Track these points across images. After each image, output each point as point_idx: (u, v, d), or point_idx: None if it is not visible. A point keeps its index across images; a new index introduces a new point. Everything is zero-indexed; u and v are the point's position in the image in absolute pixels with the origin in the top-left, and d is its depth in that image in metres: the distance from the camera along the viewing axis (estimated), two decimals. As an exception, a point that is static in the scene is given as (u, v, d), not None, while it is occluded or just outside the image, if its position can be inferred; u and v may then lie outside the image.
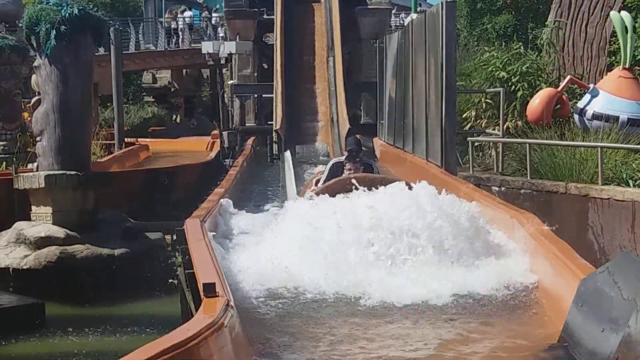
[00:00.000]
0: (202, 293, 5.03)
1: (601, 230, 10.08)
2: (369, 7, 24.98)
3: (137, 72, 35.25)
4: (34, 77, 13.87)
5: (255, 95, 24.51)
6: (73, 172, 12.98)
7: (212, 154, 21.97)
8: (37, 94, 13.65)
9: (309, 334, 5.64)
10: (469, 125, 14.09)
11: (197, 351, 4.02)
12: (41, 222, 13.01)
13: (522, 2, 18.11)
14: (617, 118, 11.96)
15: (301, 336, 5.60)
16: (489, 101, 13.87)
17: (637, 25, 13.11)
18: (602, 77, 13.32)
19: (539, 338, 5.60)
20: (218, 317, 4.44)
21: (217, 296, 4.88)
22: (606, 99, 12.26)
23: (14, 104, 17.01)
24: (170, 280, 9.00)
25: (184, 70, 37.67)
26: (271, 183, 14.86)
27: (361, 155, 9.44)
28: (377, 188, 7.75)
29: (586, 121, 12.31)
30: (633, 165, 10.65)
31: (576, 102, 12.88)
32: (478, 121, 14.05)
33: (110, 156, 20.28)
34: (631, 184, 10.17)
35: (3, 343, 10.60)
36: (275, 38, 23.12)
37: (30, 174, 13.30)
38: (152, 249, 13.29)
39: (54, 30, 12.84)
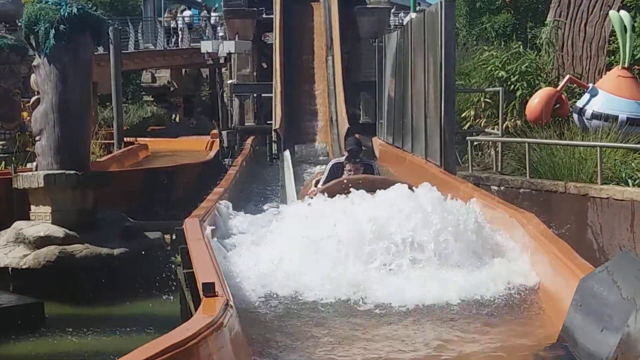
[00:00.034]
0: (201, 292, 5.03)
1: (600, 230, 10.08)
2: (368, 6, 24.96)
3: (136, 71, 35.23)
4: (33, 76, 13.87)
5: (255, 95, 24.50)
6: (72, 172, 12.98)
7: (212, 154, 21.98)
8: (36, 93, 13.64)
9: (308, 335, 5.64)
10: (468, 124, 14.10)
11: (197, 351, 4.02)
12: (40, 222, 13.01)
13: (521, 1, 18.11)
14: (616, 117, 11.97)
15: (301, 336, 5.60)
16: (488, 100, 13.87)
17: (636, 24, 13.11)
18: (601, 77, 13.33)
19: (538, 337, 5.60)
20: (217, 317, 4.44)
21: (217, 296, 4.88)
22: (605, 98, 12.26)
23: (13, 104, 17.00)
24: (169, 280, 9.01)
25: (183, 70, 37.66)
26: (270, 182, 14.85)
27: (361, 155, 9.37)
28: (377, 190, 7.68)
29: (585, 120, 12.31)
30: (632, 164, 10.66)
31: (575, 102, 12.89)
32: (477, 120, 14.05)
33: (110, 156, 20.27)
34: (630, 184, 10.18)
35: (2, 343, 10.59)
36: (275, 37, 23.11)
37: (30, 173, 13.30)
38: (152, 249, 13.28)
39: (53, 30, 12.84)
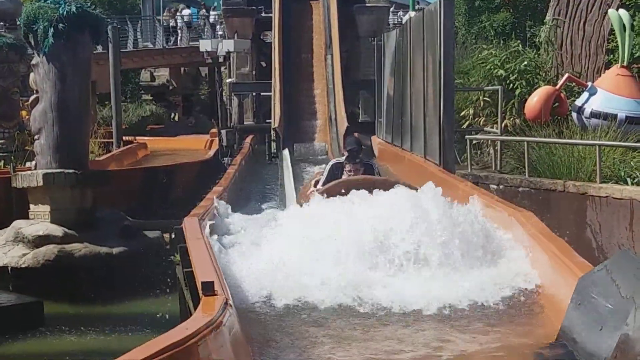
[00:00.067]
0: (200, 291, 5.03)
1: (599, 228, 10.09)
2: (367, 5, 24.94)
3: (135, 70, 35.21)
4: (31, 75, 13.86)
5: (254, 94, 24.49)
6: (71, 171, 12.97)
7: (211, 153, 21.97)
8: (35, 92, 13.63)
9: (308, 334, 5.64)
10: (467, 123, 14.10)
11: (196, 350, 4.02)
12: (39, 221, 13.00)
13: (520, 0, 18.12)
14: (615, 116, 11.97)
15: (300, 336, 5.60)
16: (487, 99, 13.87)
17: (635, 23, 13.12)
18: (600, 75, 13.33)
19: (537, 336, 5.60)
20: (216, 316, 4.44)
21: (216, 295, 4.88)
22: (604, 96, 12.26)
23: (11, 102, 16.98)
24: (168, 279, 9.00)
25: (182, 69, 37.64)
26: (269, 182, 14.85)
27: (361, 155, 9.25)
28: (378, 190, 7.64)
29: (584, 119, 12.31)
30: (631, 163, 10.67)
31: (574, 100, 12.89)
32: (476, 119, 14.05)
33: (109, 154, 20.26)
34: (629, 182, 10.18)
35: (1, 342, 10.59)
36: (274, 36, 23.10)
37: (28, 172, 13.30)
38: (151, 248, 13.28)
39: (52, 28, 12.83)
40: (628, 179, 10.27)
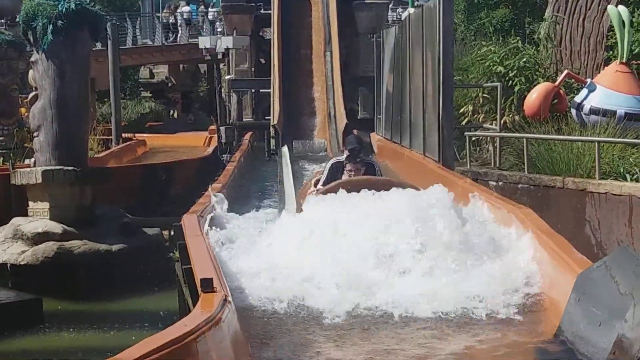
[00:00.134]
0: (199, 288, 5.02)
1: (598, 225, 10.09)
2: (366, 1, 24.91)
3: (135, 67, 35.23)
4: (31, 72, 13.87)
5: (253, 90, 24.46)
6: (70, 168, 12.98)
7: (210, 150, 21.99)
8: (34, 89, 13.64)
9: (307, 334, 5.63)
10: (466, 120, 14.10)
11: (195, 346, 4.02)
12: (38, 218, 13.01)
13: (520, -4, 18.12)
14: (615, 112, 11.97)
15: (299, 335, 5.59)
16: (486, 96, 13.87)
17: (634, 19, 13.12)
18: (599, 72, 13.33)
19: (536, 333, 5.60)
20: (215, 312, 4.44)
21: (215, 291, 4.88)
22: (603, 93, 12.27)
23: (11, 100, 17.00)
24: (167, 276, 9.01)
25: (181, 66, 37.63)
26: (269, 178, 14.84)
27: (362, 154, 9.08)
28: (380, 191, 7.57)
29: (583, 116, 12.32)
30: (630, 159, 10.67)
31: (573, 97, 12.89)
32: (475, 116, 14.05)
33: (108, 152, 20.29)
34: (628, 178, 10.19)
35: (0, 339, 10.59)
36: (273, 33, 23.08)
37: (28, 169, 13.30)
38: (150, 245, 13.30)
39: (51, 25, 12.83)
40: (627, 175, 10.27)
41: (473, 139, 13.00)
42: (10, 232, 12.85)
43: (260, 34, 27.31)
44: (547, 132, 11.80)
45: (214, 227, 7.67)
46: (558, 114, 12.69)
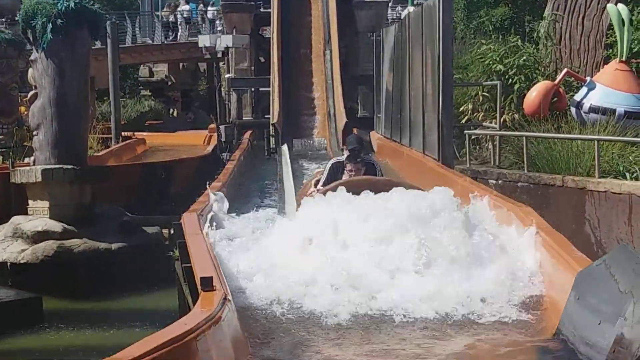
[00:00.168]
0: (199, 287, 5.03)
1: (598, 223, 10.09)
2: (366, 0, 24.92)
3: (134, 65, 35.19)
4: (30, 70, 13.87)
5: (252, 89, 24.45)
6: (70, 166, 12.98)
7: (209, 148, 21.97)
8: (33, 87, 13.64)
9: (306, 333, 5.63)
10: (465, 118, 14.10)
11: (195, 345, 4.02)
12: (38, 217, 13.01)
13: (519, -6, 18.13)
14: (614, 111, 11.97)
15: (298, 334, 5.59)
16: (486, 94, 13.86)
17: (633, 17, 13.11)
18: (598, 70, 13.33)
19: (536, 331, 5.60)
20: (215, 311, 4.44)
21: (215, 290, 4.88)
22: (603, 91, 12.27)
23: (10, 98, 17.00)
24: (167, 274, 9.00)
25: (181, 64, 37.59)
26: (268, 177, 14.84)
27: (362, 154, 8.99)
28: (381, 191, 7.55)
29: (583, 114, 12.31)
30: (630, 158, 10.67)
31: (573, 95, 12.89)
32: (475, 114, 14.05)
33: (107, 150, 20.29)
34: (628, 177, 10.19)
35: (0, 337, 10.59)
36: (272, 31, 23.06)
37: (27, 168, 13.30)
38: (150, 243, 13.30)
39: (50, 24, 12.84)
40: (627, 174, 10.27)
41: (473, 137, 13.00)
42: (10, 231, 12.85)
43: (260, 32, 27.28)
44: (546, 131, 11.79)
45: (213, 227, 7.67)
46: (558, 113, 12.68)
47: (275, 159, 16.44)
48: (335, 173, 8.84)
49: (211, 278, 4.98)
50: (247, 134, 20.53)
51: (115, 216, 13.55)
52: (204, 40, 25.71)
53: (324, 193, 7.95)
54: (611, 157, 10.73)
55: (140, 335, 4.11)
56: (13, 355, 10.27)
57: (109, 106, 23.78)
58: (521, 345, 5.36)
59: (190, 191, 12.23)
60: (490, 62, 13.88)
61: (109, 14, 24.78)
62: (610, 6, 12.84)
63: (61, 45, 12.97)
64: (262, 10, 24.99)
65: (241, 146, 18.27)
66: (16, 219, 13.02)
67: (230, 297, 4.90)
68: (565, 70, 13.10)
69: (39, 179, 12.83)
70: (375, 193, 7.51)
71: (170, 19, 34.23)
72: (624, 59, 12.46)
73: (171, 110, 37.17)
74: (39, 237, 12.60)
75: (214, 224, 7.79)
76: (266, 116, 21.62)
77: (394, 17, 28.23)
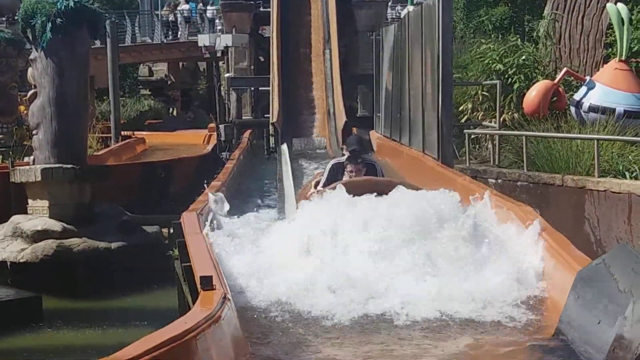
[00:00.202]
0: (199, 286, 5.03)
1: (597, 222, 10.10)
2: (366, -1, 24.94)
3: (134, 65, 35.18)
4: (30, 70, 13.86)
5: (252, 88, 24.47)
6: (69, 166, 12.97)
7: (209, 147, 21.97)
8: (33, 87, 13.63)
9: (306, 332, 5.63)
10: (465, 117, 14.11)
11: (195, 344, 4.02)
12: (38, 216, 13.01)
13: (519, -6, 18.13)
14: (614, 110, 11.98)
15: (298, 334, 5.59)
16: (486, 93, 13.87)
17: (633, 17, 13.11)
18: (598, 69, 13.33)
19: (535, 331, 5.60)
20: (215, 310, 4.44)
21: (214, 289, 4.88)
22: (602, 91, 12.27)
23: (10, 97, 16.99)
24: (167, 274, 9.00)
25: (181, 63, 37.58)
26: (268, 176, 14.84)
27: (363, 155, 8.95)
28: (381, 192, 7.53)
29: (582, 113, 12.32)
30: (629, 157, 10.67)
31: (572, 95, 12.90)
32: (474, 113, 14.06)
33: (107, 149, 20.29)
34: (627, 176, 10.19)
35: (0, 337, 10.59)
36: (272, 31, 23.07)
37: (27, 167, 13.30)
38: (149, 243, 13.30)
39: (50, 23, 12.83)
40: (626, 173, 10.27)
41: (472, 136, 13.00)
42: (10, 230, 12.85)
43: (260, 32, 27.29)
44: (546, 130, 11.80)
45: (213, 227, 7.67)
46: (557, 112, 12.69)
47: (275, 158, 16.43)
48: (335, 174, 8.79)
49: (211, 277, 4.98)
50: (247, 133, 20.53)
51: (115, 215, 13.55)
52: (203, 40, 25.70)
53: (324, 194, 7.93)
54: (611, 157, 10.74)
55: (140, 334, 4.10)
56: (12, 354, 10.27)
57: (109, 105, 23.78)
58: (521, 345, 5.36)
59: (189, 190, 12.23)
60: (490, 62, 13.88)
61: (108, 13, 24.77)
62: (609, 5, 12.85)
63: (61, 45, 12.97)
64: (261, 9, 25.01)
65: (241, 145, 18.28)
66: (16, 218, 13.01)
67: (229, 296, 4.90)
68: (564, 69, 13.10)
69: (39, 178, 12.83)
70: (377, 194, 7.50)
71: (170, 18, 34.23)
72: (623, 58, 12.46)
73: (171, 110, 37.17)
74: (38, 236, 12.60)
75: (214, 224, 7.79)
76: (266, 115, 21.63)
77: (394, 17, 28.25)
